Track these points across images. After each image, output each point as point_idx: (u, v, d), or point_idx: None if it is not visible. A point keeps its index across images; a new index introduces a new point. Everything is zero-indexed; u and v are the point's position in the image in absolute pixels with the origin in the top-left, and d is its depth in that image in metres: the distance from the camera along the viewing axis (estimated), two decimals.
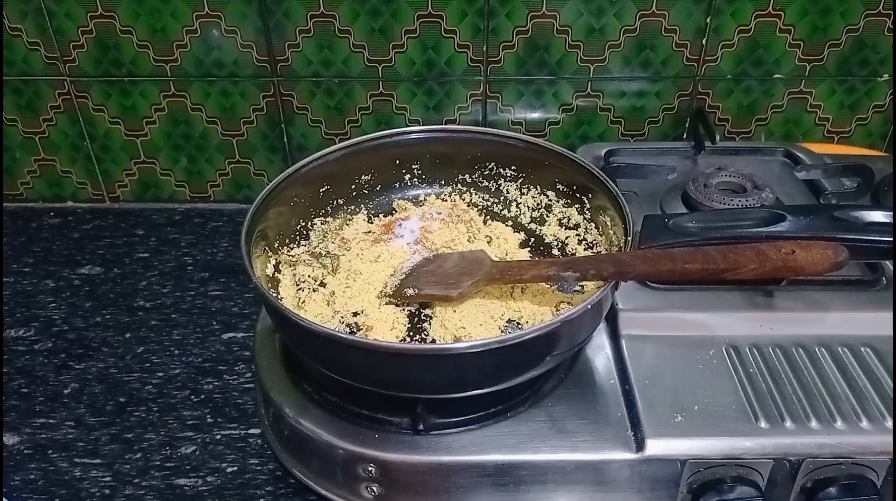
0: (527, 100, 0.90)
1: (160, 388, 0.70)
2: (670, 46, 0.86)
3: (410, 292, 0.61)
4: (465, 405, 0.58)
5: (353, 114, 0.91)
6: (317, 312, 0.63)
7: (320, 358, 0.57)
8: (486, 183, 0.76)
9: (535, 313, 0.62)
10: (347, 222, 0.74)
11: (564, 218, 0.73)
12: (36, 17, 0.84)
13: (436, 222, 0.70)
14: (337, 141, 0.89)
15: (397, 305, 0.63)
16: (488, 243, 0.70)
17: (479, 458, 0.56)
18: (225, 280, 0.83)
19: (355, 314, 0.63)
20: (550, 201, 0.73)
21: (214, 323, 0.78)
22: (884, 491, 0.55)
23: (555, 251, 0.71)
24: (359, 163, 0.73)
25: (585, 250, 0.70)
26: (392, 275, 0.65)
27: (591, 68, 0.88)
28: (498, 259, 0.64)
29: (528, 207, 0.75)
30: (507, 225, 0.74)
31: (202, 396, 0.69)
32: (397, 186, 0.76)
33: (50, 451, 0.64)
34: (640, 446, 0.56)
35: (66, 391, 0.70)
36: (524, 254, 0.70)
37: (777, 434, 0.55)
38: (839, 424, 0.55)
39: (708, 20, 0.84)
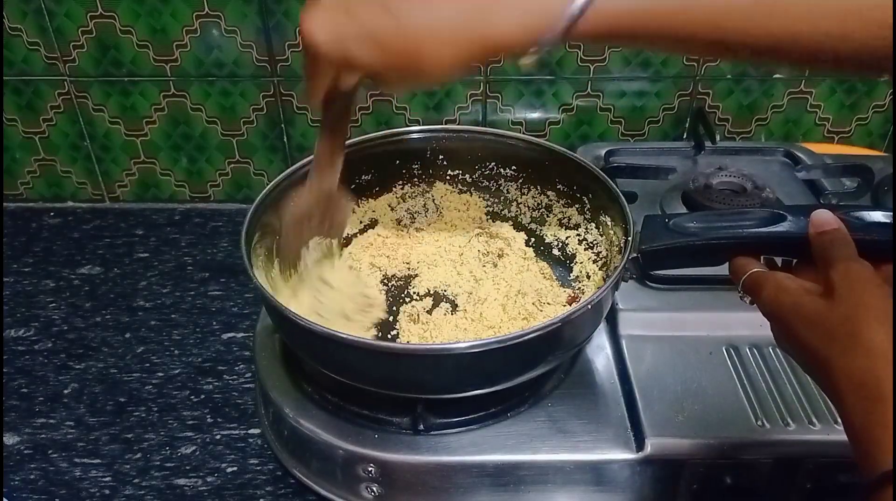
0: (527, 100, 0.90)
1: (160, 388, 0.70)
2: None
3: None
4: (465, 405, 0.58)
5: (354, 114, 0.91)
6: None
7: (320, 358, 0.57)
8: (486, 183, 0.76)
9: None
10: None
11: (565, 218, 0.73)
12: (36, 17, 0.84)
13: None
14: None
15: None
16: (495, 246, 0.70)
17: (479, 458, 0.56)
18: (225, 280, 0.83)
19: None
20: (551, 200, 0.73)
21: (214, 323, 0.78)
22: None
23: (555, 251, 0.72)
24: (359, 163, 0.73)
25: (586, 249, 0.70)
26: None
27: (592, 68, 0.88)
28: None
29: (528, 207, 0.75)
30: (508, 225, 0.74)
31: (202, 396, 0.69)
32: (398, 186, 0.76)
33: (50, 451, 0.64)
34: (640, 446, 0.56)
35: (66, 391, 0.70)
36: (528, 251, 0.70)
37: (777, 434, 0.55)
38: (839, 424, 0.55)
39: None
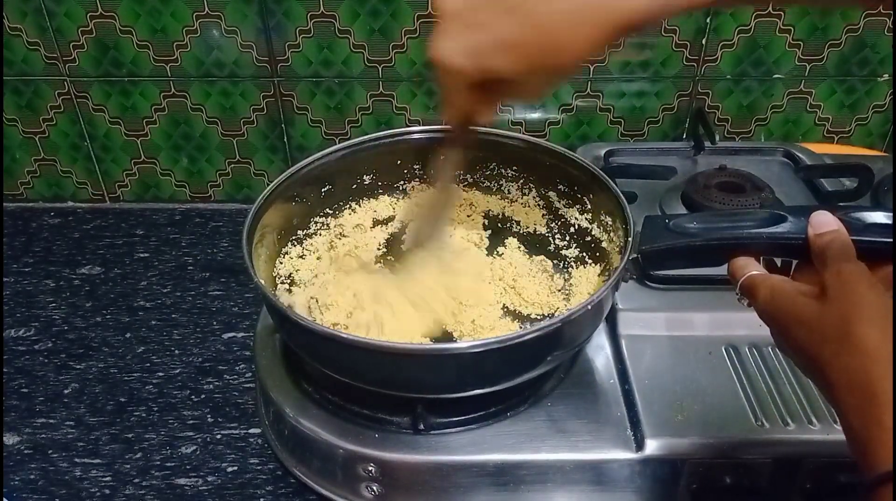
0: None
1: (160, 388, 0.70)
2: (670, 46, 0.86)
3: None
4: (465, 405, 0.58)
5: (354, 114, 0.91)
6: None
7: (320, 358, 0.57)
8: (487, 183, 0.76)
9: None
10: (348, 222, 0.74)
11: (565, 218, 0.72)
12: (36, 17, 0.84)
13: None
14: (337, 141, 0.89)
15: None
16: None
17: (479, 458, 0.56)
18: (225, 280, 0.83)
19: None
20: (551, 201, 0.73)
21: (215, 323, 0.78)
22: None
23: (555, 251, 0.72)
24: (359, 163, 0.73)
25: (586, 250, 0.70)
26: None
27: (591, 68, 0.88)
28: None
29: (528, 207, 0.75)
30: (508, 225, 0.74)
31: (202, 396, 0.69)
32: (398, 186, 0.76)
33: (50, 451, 0.64)
34: (639, 445, 0.56)
35: (66, 391, 0.70)
36: (523, 253, 0.70)
37: (777, 434, 0.55)
38: (838, 424, 0.55)
39: (708, 20, 0.84)
